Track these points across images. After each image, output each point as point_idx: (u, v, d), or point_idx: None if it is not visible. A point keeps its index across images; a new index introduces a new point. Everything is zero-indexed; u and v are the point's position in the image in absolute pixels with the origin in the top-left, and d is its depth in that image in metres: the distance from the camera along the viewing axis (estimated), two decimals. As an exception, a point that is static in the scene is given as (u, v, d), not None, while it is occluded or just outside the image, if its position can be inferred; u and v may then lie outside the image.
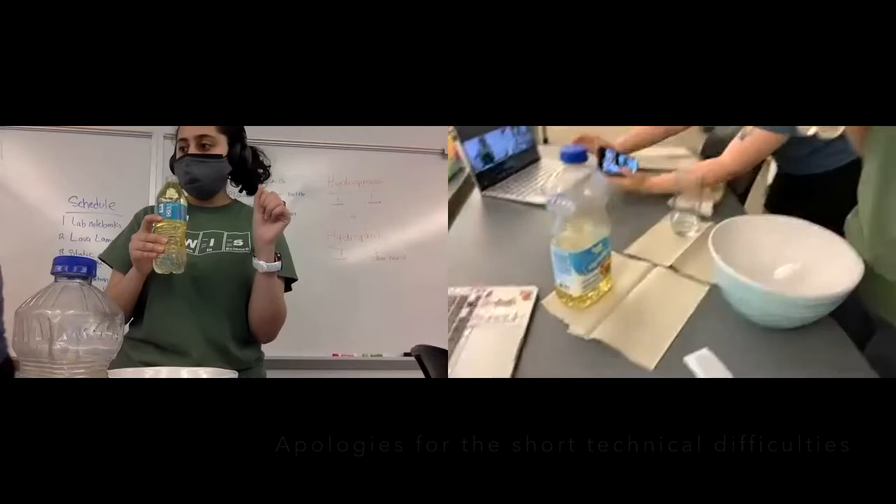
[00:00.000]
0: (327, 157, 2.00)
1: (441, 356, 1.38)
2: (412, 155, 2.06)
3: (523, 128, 1.69)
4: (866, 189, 0.90)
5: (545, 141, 4.09)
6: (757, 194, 1.78)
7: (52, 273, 0.67)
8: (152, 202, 1.27)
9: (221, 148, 1.23)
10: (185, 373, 0.86)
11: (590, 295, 0.90)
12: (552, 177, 0.84)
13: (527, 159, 1.69)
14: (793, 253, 0.89)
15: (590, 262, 0.87)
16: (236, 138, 1.27)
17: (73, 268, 0.66)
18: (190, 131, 1.20)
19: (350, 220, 2.00)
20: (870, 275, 0.81)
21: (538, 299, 0.93)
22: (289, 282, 1.28)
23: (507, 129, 1.63)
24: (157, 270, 1.07)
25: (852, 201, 0.94)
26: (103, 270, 1.16)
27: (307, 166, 1.98)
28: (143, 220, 1.06)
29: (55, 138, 1.81)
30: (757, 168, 1.63)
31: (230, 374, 0.96)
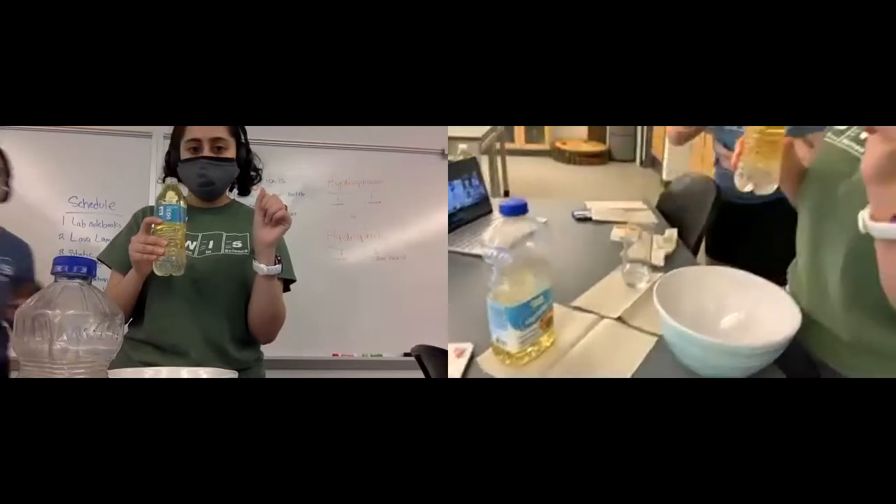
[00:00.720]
0: (327, 157, 2.00)
1: (441, 356, 1.38)
2: (412, 155, 2.06)
3: (475, 181, 1.69)
4: (802, 239, 0.91)
5: (506, 193, 4.14)
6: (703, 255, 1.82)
7: (52, 273, 0.66)
8: (152, 202, 1.28)
9: (232, 151, 1.24)
10: (185, 373, 0.86)
11: (529, 351, 0.85)
12: (491, 228, 0.81)
13: (478, 212, 1.67)
14: (736, 303, 0.89)
15: (528, 316, 0.83)
16: (241, 141, 1.27)
17: (73, 268, 0.66)
18: (203, 132, 1.20)
19: (350, 220, 2.00)
20: (809, 322, 0.81)
21: (472, 357, 0.89)
22: (287, 283, 1.28)
23: (458, 183, 1.63)
24: (157, 272, 1.07)
25: (788, 236, 0.95)
26: (103, 270, 1.16)
27: (307, 166, 1.98)
28: (142, 221, 1.06)
29: (55, 138, 1.81)
30: (708, 220, 1.67)
31: (230, 374, 0.96)
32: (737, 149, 0.87)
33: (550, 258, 0.85)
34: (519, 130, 5.83)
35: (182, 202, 1.06)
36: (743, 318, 0.87)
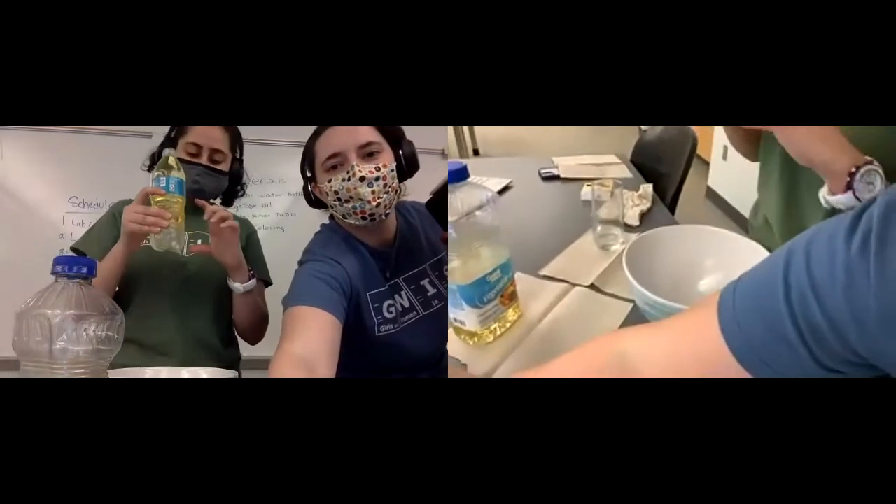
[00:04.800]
0: (327, 156, 2.00)
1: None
2: (412, 155, 2.05)
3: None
4: (769, 189, 0.90)
5: (475, 153, 3.88)
6: (688, 200, 1.70)
7: (52, 273, 0.67)
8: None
9: (227, 165, 1.24)
10: (185, 373, 0.86)
11: (493, 328, 0.80)
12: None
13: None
14: (714, 263, 0.84)
15: (485, 292, 0.76)
16: (236, 156, 1.27)
17: (73, 268, 0.66)
18: (205, 140, 1.18)
19: (350, 219, 1.99)
20: None
21: None
22: (266, 284, 1.30)
23: None
24: (155, 247, 1.02)
25: None
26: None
27: (307, 166, 1.99)
28: (139, 193, 1.01)
29: (55, 138, 1.81)
30: (685, 171, 1.55)
31: (230, 374, 0.96)
32: None
33: (508, 229, 0.79)
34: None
35: (182, 174, 1.02)
36: (722, 279, 0.80)
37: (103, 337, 0.65)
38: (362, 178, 0.90)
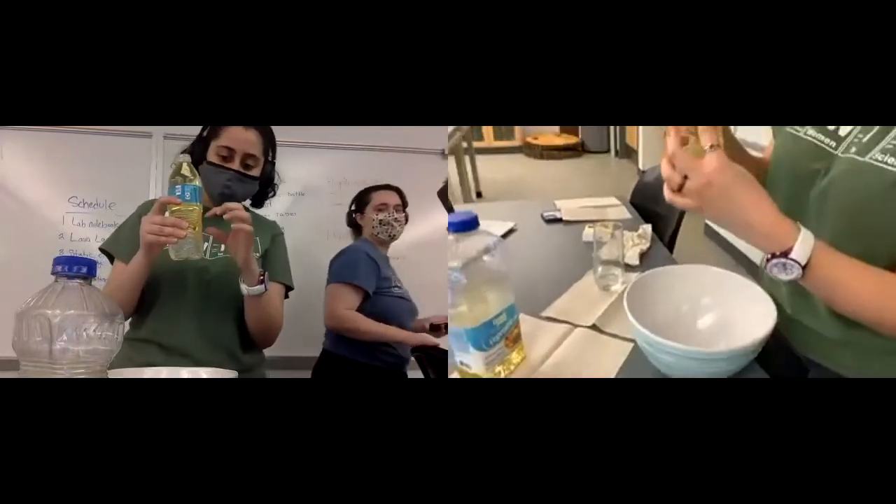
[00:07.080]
0: (327, 157, 2.00)
1: (441, 356, 1.38)
2: (412, 155, 2.06)
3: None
4: None
5: (478, 195, 3.94)
6: (686, 240, 1.70)
7: (52, 273, 0.67)
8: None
9: (258, 169, 1.22)
10: (185, 373, 0.86)
11: (497, 370, 0.81)
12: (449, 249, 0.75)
13: None
14: (712, 302, 0.85)
15: (491, 335, 0.77)
16: (268, 159, 1.25)
17: (73, 268, 0.66)
18: (239, 145, 1.17)
19: (350, 219, 2.00)
20: (790, 320, 0.79)
21: None
22: (288, 288, 1.27)
23: None
24: (174, 257, 1.00)
25: None
26: (103, 270, 1.16)
27: (307, 166, 1.98)
28: (155, 203, 0.99)
29: (55, 138, 1.81)
30: (682, 211, 1.57)
31: (230, 374, 0.96)
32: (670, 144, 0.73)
33: (512, 271, 0.80)
34: (487, 127, 5.50)
35: (198, 181, 1.00)
36: (719, 319, 0.84)
37: (103, 337, 0.66)
38: (395, 219, 1.75)
